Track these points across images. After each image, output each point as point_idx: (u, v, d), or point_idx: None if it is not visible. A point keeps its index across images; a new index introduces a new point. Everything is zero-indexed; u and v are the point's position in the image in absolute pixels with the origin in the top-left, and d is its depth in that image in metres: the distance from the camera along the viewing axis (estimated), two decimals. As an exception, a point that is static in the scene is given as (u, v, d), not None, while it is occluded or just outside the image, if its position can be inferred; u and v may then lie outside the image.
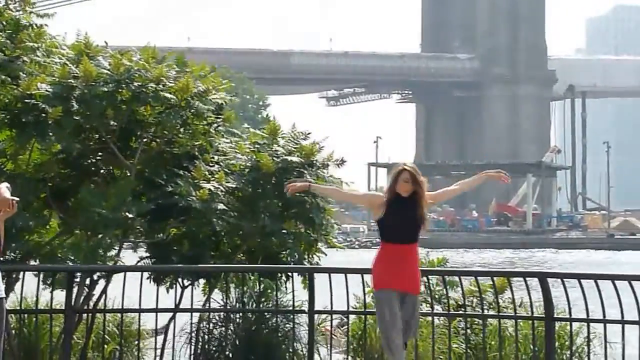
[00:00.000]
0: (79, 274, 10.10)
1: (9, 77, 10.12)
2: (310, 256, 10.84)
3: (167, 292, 10.46)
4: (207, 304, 10.83)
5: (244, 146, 10.87)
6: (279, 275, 10.58)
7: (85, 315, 10.63)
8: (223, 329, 11.05)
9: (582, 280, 9.11)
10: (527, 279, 9.60)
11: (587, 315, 9.14)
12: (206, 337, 11.06)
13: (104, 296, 10.68)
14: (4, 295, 7.22)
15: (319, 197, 10.59)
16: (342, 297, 9.78)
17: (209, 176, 10.25)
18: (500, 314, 9.98)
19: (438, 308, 10.74)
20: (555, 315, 9.41)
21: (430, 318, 10.19)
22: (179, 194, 9.94)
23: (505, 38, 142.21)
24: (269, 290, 11.24)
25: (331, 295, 9.74)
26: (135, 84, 10.02)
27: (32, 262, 10.48)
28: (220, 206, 10.01)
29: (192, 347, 10.90)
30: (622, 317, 8.82)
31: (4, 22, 10.51)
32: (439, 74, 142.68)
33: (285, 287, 10.81)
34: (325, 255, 10.96)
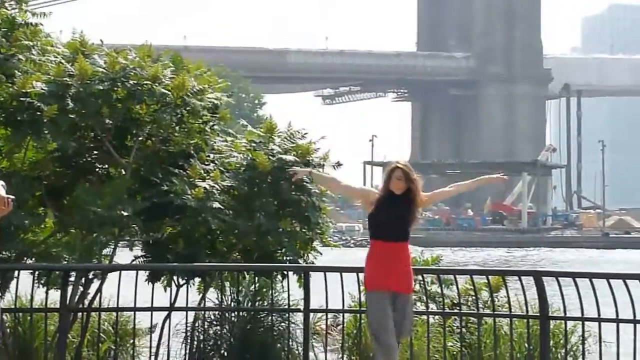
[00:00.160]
0: (73, 272, 10.09)
1: (4, 75, 10.10)
2: (306, 255, 10.85)
3: (165, 290, 10.46)
4: (203, 303, 10.84)
5: (240, 145, 10.87)
6: (275, 274, 10.58)
7: (80, 314, 10.63)
8: (218, 327, 11.06)
9: (576, 279, 9.12)
10: (522, 277, 9.61)
11: (582, 314, 9.14)
12: (201, 335, 11.07)
13: (99, 295, 10.67)
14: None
15: (315, 196, 10.60)
16: (337, 295, 9.78)
17: (205, 175, 10.24)
18: (495, 312, 9.99)
19: (433, 307, 10.75)
20: (550, 314, 9.42)
21: (425, 317, 10.20)
22: (174, 193, 9.93)
23: (501, 37, 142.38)
24: (264, 289, 11.25)
25: (326, 294, 9.74)
26: (131, 82, 10.00)
27: (27, 261, 10.46)
28: (216, 205, 10.01)
29: (188, 346, 10.90)
30: (617, 315, 8.83)
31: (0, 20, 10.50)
32: (435, 72, 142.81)
33: (281, 285, 10.81)
34: (321, 254, 10.97)
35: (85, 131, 10.42)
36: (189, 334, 10.93)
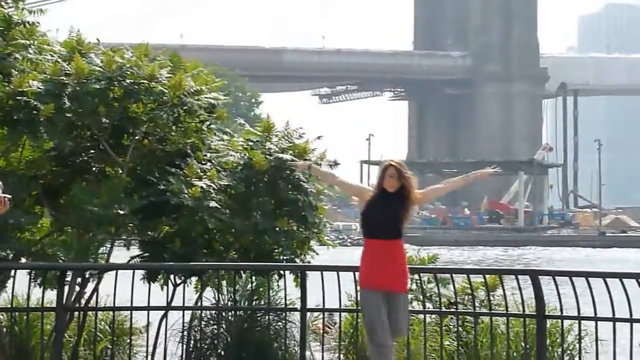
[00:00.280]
0: (70, 272, 10.08)
1: (0, 74, 10.10)
2: (303, 254, 10.85)
3: (162, 289, 10.45)
4: (199, 302, 10.83)
5: (237, 144, 10.86)
6: (271, 273, 10.58)
7: (76, 313, 10.62)
8: (215, 327, 11.06)
9: (573, 278, 9.13)
10: (519, 276, 9.61)
11: (579, 312, 9.15)
12: (198, 335, 11.06)
13: (95, 294, 10.67)
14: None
15: (312, 195, 10.60)
16: (334, 295, 9.78)
17: (201, 174, 10.24)
18: (492, 311, 10.00)
19: (430, 306, 10.75)
20: (546, 313, 9.43)
21: (422, 316, 10.20)
22: (171, 192, 9.93)
23: (497, 36, 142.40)
24: (261, 288, 11.25)
25: (323, 293, 9.74)
26: (128, 81, 10.00)
27: (24, 260, 10.45)
28: (213, 204, 10.00)
29: (184, 345, 10.90)
30: (613, 314, 8.84)
31: (-4, 19, 10.49)
32: (431, 71, 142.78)
33: (278, 285, 10.81)
34: (317, 254, 10.97)
35: (81, 130, 10.41)
36: (185, 333, 10.93)
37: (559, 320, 9.60)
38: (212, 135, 10.95)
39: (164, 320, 10.29)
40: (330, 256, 11.46)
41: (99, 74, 9.98)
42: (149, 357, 10.59)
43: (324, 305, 9.96)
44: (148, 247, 10.69)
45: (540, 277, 9.32)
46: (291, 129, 10.92)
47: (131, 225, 10.43)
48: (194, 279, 10.81)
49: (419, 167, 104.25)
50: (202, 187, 9.99)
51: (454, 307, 10.38)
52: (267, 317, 11.04)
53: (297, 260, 10.74)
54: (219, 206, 10.08)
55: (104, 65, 10.09)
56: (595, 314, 9.00)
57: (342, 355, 10.74)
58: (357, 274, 9.13)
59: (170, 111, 10.16)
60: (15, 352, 10.65)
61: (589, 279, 9.00)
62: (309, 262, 10.79)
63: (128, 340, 10.71)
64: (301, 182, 10.56)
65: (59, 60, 10.18)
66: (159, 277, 10.57)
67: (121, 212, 9.79)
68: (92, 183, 10.48)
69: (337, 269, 9.76)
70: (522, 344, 9.98)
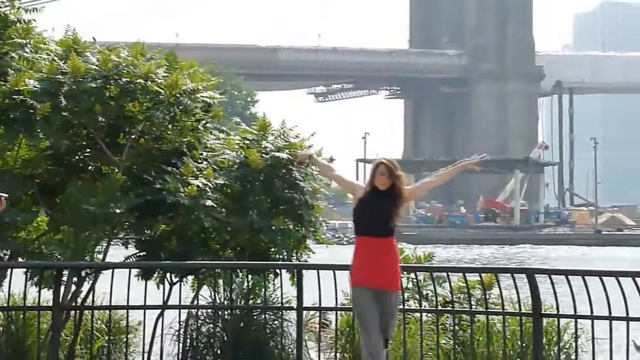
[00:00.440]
0: (66, 270, 10.08)
1: (-4, 73, 10.09)
2: (299, 253, 10.85)
3: (158, 288, 10.45)
4: (196, 301, 10.83)
5: (233, 142, 10.86)
6: (268, 271, 10.59)
7: (73, 312, 10.62)
8: (211, 325, 11.05)
9: (569, 277, 9.14)
10: (515, 275, 9.62)
11: (575, 311, 9.16)
12: (194, 333, 11.06)
13: (92, 293, 10.66)
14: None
15: (308, 194, 10.60)
16: (330, 293, 9.78)
17: (198, 173, 10.23)
18: (488, 310, 10.01)
19: (426, 304, 10.76)
20: (543, 312, 9.44)
21: (418, 314, 10.21)
22: (167, 191, 9.93)
23: (493, 34, 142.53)
24: (257, 287, 11.24)
25: (319, 291, 9.74)
26: (124, 79, 10.00)
27: (20, 259, 10.45)
28: (209, 203, 10.00)
29: (181, 344, 10.89)
30: (610, 313, 8.86)
31: (-8, 18, 10.48)
32: (427, 70, 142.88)
33: (274, 283, 10.81)
34: (314, 253, 10.97)
35: (78, 129, 10.40)
36: (182, 331, 10.92)
37: (555, 319, 9.61)
38: (208, 134, 10.95)
39: (160, 319, 10.29)
40: (327, 255, 11.47)
41: (95, 73, 9.97)
42: (145, 356, 10.59)
43: (320, 304, 9.96)
44: (144, 245, 10.69)
45: (536, 275, 9.32)
46: (287, 127, 10.92)
47: (127, 224, 10.43)
48: (190, 277, 10.82)
49: (415, 165, 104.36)
50: (198, 186, 9.99)
51: (450, 305, 10.39)
52: (263, 316, 11.04)
53: (293, 259, 10.74)
54: (215, 205, 10.08)
55: (100, 64, 10.08)
56: (592, 312, 9.01)
57: (338, 354, 10.75)
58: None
59: (166, 110, 10.16)
60: (11, 351, 10.65)
61: (585, 277, 9.02)
62: (305, 261, 10.78)
63: (124, 339, 10.71)
64: (297, 181, 10.56)
65: (55, 59, 10.17)
66: (155, 275, 10.57)
67: (117, 210, 9.78)
68: (88, 182, 10.47)
69: (333, 267, 9.76)
70: (519, 342, 10.00)
